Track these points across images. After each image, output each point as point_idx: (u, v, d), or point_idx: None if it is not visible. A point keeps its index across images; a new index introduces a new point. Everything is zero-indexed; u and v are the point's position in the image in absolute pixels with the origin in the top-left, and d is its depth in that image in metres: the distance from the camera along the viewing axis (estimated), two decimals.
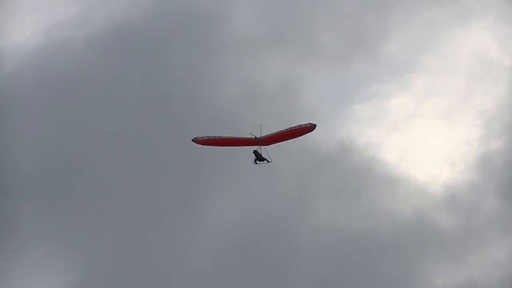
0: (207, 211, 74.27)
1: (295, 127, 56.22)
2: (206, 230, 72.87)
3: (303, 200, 74.96)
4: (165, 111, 79.34)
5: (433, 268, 72.28)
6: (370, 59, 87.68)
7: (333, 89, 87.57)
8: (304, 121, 56.52)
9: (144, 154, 75.80)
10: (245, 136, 56.47)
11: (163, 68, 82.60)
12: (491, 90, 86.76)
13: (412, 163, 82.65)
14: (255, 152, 56.95)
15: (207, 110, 78.78)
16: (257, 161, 57.03)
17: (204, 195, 74.87)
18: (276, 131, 56.36)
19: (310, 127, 56.41)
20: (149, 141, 76.51)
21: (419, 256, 72.75)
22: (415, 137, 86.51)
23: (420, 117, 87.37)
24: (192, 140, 56.16)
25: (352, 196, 73.22)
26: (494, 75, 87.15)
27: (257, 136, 56.23)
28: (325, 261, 71.74)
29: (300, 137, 57.09)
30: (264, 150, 57.00)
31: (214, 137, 56.15)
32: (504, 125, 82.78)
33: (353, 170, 74.86)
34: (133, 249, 70.84)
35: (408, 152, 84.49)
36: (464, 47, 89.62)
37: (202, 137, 56.14)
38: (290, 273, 70.87)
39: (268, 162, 57.16)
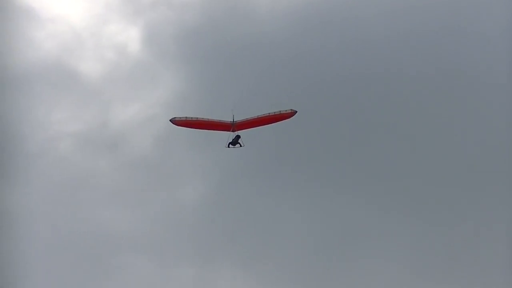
0: None
1: (274, 112, 55.87)
2: None
3: None
4: None
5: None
6: None
7: None
8: None
9: None
10: (222, 120, 56.67)
11: None
12: None
13: None
14: (236, 136, 57.08)
15: None
16: (230, 145, 57.39)
17: None
18: (253, 116, 56.46)
19: (291, 113, 55.78)
20: None
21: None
22: None
23: None
24: (170, 120, 56.79)
25: None
26: None
27: (232, 121, 56.59)
28: None
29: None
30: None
31: (191, 118, 56.52)
32: None
33: None
34: None
35: None
36: None
37: (180, 118, 56.77)
38: None
39: (241, 146, 57.31)
